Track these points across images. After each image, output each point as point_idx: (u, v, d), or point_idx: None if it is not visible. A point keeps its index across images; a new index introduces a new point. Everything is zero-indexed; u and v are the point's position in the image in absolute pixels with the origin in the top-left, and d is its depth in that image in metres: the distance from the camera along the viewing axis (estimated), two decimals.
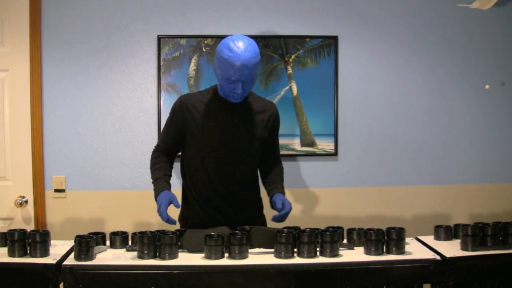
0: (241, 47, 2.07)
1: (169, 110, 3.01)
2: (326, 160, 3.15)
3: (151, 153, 2.37)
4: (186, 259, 1.84)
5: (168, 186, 2.22)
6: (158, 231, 1.91)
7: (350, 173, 3.17)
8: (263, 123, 2.31)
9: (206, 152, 2.24)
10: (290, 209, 2.20)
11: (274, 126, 2.37)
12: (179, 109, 2.27)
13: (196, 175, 2.29)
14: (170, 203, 2.12)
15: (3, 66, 3.01)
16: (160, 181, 2.21)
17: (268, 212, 2.35)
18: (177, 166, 2.45)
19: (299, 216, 3.10)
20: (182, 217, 2.37)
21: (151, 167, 2.32)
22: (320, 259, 1.83)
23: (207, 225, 2.15)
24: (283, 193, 2.30)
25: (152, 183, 2.25)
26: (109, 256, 1.86)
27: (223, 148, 2.23)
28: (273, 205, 2.26)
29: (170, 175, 2.29)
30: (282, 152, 3.06)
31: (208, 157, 2.24)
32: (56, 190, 3.04)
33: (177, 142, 2.31)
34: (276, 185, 2.33)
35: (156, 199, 2.15)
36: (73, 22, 3.02)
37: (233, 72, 2.08)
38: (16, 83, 3.01)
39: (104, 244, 2.01)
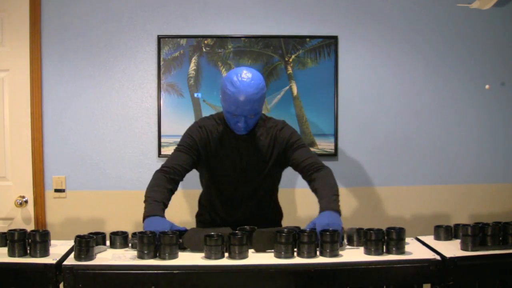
0: (244, 82, 2.05)
1: (169, 110, 3.05)
2: (326, 160, 3.15)
3: (153, 173, 2.19)
4: (186, 259, 1.84)
5: (163, 213, 2.04)
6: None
7: (350, 173, 3.17)
8: (265, 143, 2.27)
9: (219, 178, 2.27)
10: (338, 229, 1.90)
11: (279, 141, 2.26)
12: (198, 132, 2.24)
13: (210, 196, 2.34)
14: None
15: (3, 66, 3.01)
16: (158, 204, 2.06)
17: (289, 213, 2.45)
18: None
19: (299, 216, 3.10)
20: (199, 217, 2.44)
21: (151, 187, 2.14)
22: (320, 259, 1.83)
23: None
24: (331, 208, 1.98)
25: (145, 200, 2.10)
26: (109, 256, 1.86)
27: (232, 173, 2.26)
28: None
29: (166, 205, 2.12)
30: None
31: (220, 182, 2.28)
32: (56, 190, 3.04)
33: (188, 162, 2.21)
34: (322, 199, 2.05)
35: (145, 220, 2.01)
36: (73, 22, 3.02)
37: (235, 108, 2.08)
38: (16, 83, 3.01)
39: (104, 244, 2.01)
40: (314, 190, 2.13)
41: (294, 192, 3.12)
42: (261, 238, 1.90)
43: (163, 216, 2.02)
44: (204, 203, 2.41)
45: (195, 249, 1.92)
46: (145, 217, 2.03)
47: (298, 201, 3.14)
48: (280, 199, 2.49)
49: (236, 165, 2.26)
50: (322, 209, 1.99)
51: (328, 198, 2.02)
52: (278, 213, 2.47)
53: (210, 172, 2.28)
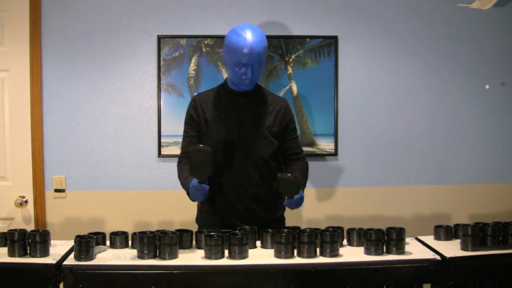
0: (249, 32, 2.15)
1: (169, 110, 3.05)
2: (326, 160, 3.15)
3: (176, 167, 2.33)
4: (186, 259, 1.84)
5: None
6: (158, 231, 1.91)
7: (350, 173, 3.17)
8: (272, 116, 2.31)
9: (217, 145, 2.24)
10: (299, 198, 2.15)
11: (285, 121, 2.34)
12: (193, 108, 2.32)
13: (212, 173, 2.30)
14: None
15: (3, 66, 3.01)
16: (189, 177, 2.17)
17: (289, 213, 2.40)
18: None
19: (299, 216, 3.10)
20: (198, 212, 2.42)
21: (179, 174, 2.28)
22: (320, 259, 1.83)
23: (221, 218, 2.22)
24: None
25: (182, 184, 2.23)
26: (109, 256, 1.86)
27: (231, 139, 2.24)
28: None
29: None
30: None
31: (217, 150, 2.24)
32: (56, 190, 3.04)
33: (200, 140, 2.31)
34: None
35: (189, 191, 2.14)
36: (73, 22, 3.02)
37: (243, 55, 2.13)
38: (16, 83, 3.01)
39: (104, 244, 2.01)
40: (289, 168, 2.35)
41: None
42: (285, 184, 2.03)
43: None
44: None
45: (204, 173, 2.01)
46: (187, 192, 2.17)
47: None
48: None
49: (239, 127, 2.25)
50: None
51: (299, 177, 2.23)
52: (279, 199, 2.38)
53: (211, 141, 2.25)
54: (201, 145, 2.02)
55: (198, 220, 2.42)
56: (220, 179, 2.26)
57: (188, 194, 2.18)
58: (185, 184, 2.21)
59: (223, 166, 2.25)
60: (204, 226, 2.30)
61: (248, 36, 2.14)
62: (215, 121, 2.26)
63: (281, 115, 2.33)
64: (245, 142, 2.26)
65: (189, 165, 2.08)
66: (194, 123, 2.31)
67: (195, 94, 2.46)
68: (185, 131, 2.35)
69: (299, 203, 2.17)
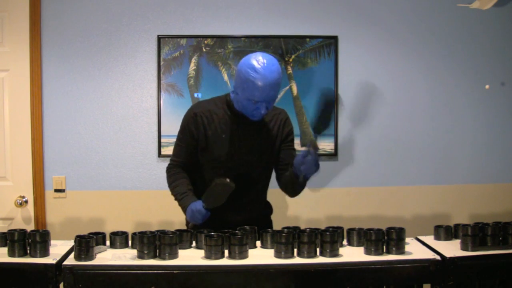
0: (266, 67, 2.01)
1: (169, 110, 3.05)
2: (326, 160, 3.15)
3: (166, 172, 2.30)
4: (186, 259, 1.84)
5: (194, 198, 2.17)
6: (158, 231, 1.91)
7: (350, 173, 3.17)
8: (274, 133, 2.27)
9: (215, 164, 2.22)
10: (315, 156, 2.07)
11: (285, 133, 2.30)
12: (193, 121, 2.22)
13: (206, 185, 2.24)
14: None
15: (3, 66, 3.01)
16: (188, 195, 2.17)
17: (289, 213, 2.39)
18: None
19: (299, 216, 3.10)
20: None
21: (171, 184, 2.26)
22: (320, 259, 1.83)
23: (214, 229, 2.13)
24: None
25: (177, 198, 2.21)
26: (109, 256, 1.86)
27: (231, 161, 2.21)
28: (297, 166, 2.10)
29: (191, 189, 2.23)
30: None
31: (219, 168, 2.21)
32: (56, 190, 3.04)
33: (192, 153, 2.25)
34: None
35: (186, 210, 2.13)
36: (73, 22, 3.02)
37: (259, 94, 2.03)
38: (16, 83, 3.01)
39: (104, 244, 2.01)
40: (284, 175, 2.27)
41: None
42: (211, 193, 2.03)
43: (194, 200, 2.15)
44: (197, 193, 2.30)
45: (215, 204, 2.04)
46: (184, 210, 2.17)
47: (298, 201, 3.13)
48: (273, 199, 2.48)
49: (239, 149, 2.21)
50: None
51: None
52: (269, 207, 2.43)
53: (209, 158, 2.22)
54: (227, 180, 1.99)
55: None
56: None
57: (183, 210, 2.16)
58: (181, 200, 2.18)
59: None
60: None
61: (265, 72, 2.00)
62: (216, 140, 2.20)
63: (281, 128, 2.29)
64: (245, 164, 2.23)
65: (207, 193, 2.04)
66: (191, 137, 2.23)
67: (195, 103, 2.35)
68: (179, 139, 2.27)
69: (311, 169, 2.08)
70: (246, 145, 2.22)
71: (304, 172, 2.07)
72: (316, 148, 2.05)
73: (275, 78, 2.03)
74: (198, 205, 2.08)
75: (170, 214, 3.03)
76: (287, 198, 3.00)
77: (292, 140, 2.34)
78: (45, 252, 1.84)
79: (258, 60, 2.03)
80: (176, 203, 2.24)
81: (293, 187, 2.24)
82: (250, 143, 2.22)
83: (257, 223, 2.16)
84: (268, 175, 2.34)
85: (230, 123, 2.21)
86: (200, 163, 2.27)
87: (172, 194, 2.25)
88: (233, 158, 2.21)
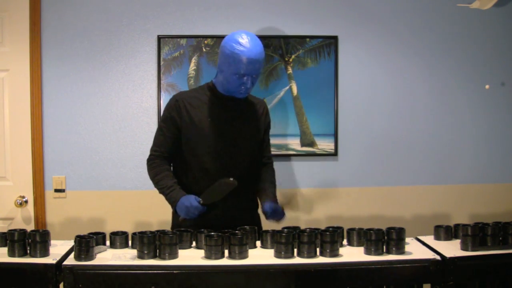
0: (250, 41, 2.11)
1: None
2: (326, 160, 3.15)
3: (147, 164, 2.29)
4: (186, 259, 1.84)
5: (182, 192, 2.18)
6: (158, 231, 1.91)
7: (350, 173, 3.17)
8: (258, 118, 2.33)
9: (203, 149, 2.22)
10: (283, 215, 2.27)
11: (266, 122, 2.39)
12: (175, 107, 2.24)
13: (190, 172, 2.26)
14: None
15: (3, 66, 3.01)
16: (175, 188, 2.19)
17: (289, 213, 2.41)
18: None
19: (299, 216, 3.10)
20: (175, 215, 2.31)
21: (155, 176, 2.24)
22: (320, 259, 1.83)
23: (200, 223, 2.13)
24: (275, 201, 2.31)
25: (164, 191, 2.21)
26: (109, 256, 1.86)
27: (219, 144, 2.22)
28: (265, 215, 2.27)
29: (176, 182, 2.24)
30: (282, 152, 3.07)
31: (205, 153, 2.22)
32: (56, 190, 3.04)
33: (175, 143, 2.25)
34: (267, 194, 2.32)
35: (177, 204, 2.14)
36: (73, 22, 3.02)
37: (245, 66, 2.11)
38: (16, 83, 3.01)
39: (104, 244, 2.01)
40: (262, 185, 2.36)
41: (293, 192, 3.12)
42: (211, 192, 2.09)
43: (184, 194, 2.17)
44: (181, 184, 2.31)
45: (214, 200, 2.08)
46: (174, 205, 2.18)
47: (298, 201, 3.14)
48: None
49: (227, 132, 2.24)
50: (269, 200, 2.28)
51: (273, 195, 2.33)
52: (255, 202, 2.42)
53: (195, 144, 2.22)
54: (231, 179, 2.04)
55: (173, 221, 2.36)
56: (207, 181, 2.18)
57: (172, 204, 2.17)
58: (168, 194, 2.18)
59: (211, 169, 2.22)
60: (176, 226, 2.25)
61: (250, 46, 2.10)
62: (205, 125, 2.21)
63: (263, 117, 2.37)
64: (236, 145, 2.25)
65: (208, 191, 2.09)
66: (173, 124, 2.24)
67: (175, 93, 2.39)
68: (160, 128, 2.28)
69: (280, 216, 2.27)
70: (233, 127, 2.25)
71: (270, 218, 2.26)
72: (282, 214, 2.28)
73: (259, 51, 2.13)
74: (192, 201, 2.10)
75: (170, 214, 3.02)
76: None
77: (269, 132, 2.43)
78: (45, 252, 1.84)
79: (242, 36, 2.13)
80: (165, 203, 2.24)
81: (256, 194, 2.39)
82: (236, 124, 2.26)
83: (244, 215, 2.25)
84: (255, 159, 2.36)
85: (214, 107, 2.25)
86: (183, 151, 2.26)
87: (156, 187, 2.24)
88: (220, 140, 2.22)
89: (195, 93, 2.30)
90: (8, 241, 1.85)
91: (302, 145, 3.10)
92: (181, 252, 1.88)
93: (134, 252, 1.87)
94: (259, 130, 2.34)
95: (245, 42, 2.10)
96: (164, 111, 2.30)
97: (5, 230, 1.94)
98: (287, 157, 3.09)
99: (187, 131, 2.23)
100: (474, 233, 1.91)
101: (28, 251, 1.85)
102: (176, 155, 2.29)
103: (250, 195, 2.37)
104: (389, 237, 1.88)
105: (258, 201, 2.38)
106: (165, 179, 2.22)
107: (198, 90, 2.33)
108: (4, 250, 1.87)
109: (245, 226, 2.05)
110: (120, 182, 3.07)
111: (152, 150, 2.30)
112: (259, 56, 2.12)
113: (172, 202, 2.18)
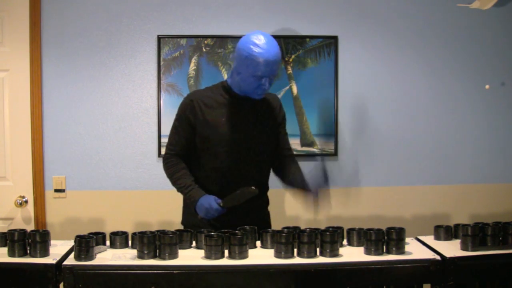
0: (267, 43, 2.10)
1: (169, 110, 3.05)
2: (326, 160, 3.15)
3: (163, 162, 2.31)
4: (186, 259, 1.84)
5: (201, 191, 2.20)
6: (158, 231, 1.91)
7: (350, 173, 3.17)
8: (274, 114, 2.33)
9: (217, 149, 2.22)
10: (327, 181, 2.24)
11: (281, 117, 2.38)
12: (189, 106, 2.24)
13: (205, 171, 2.27)
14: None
15: (3, 66, 3.01)
16: (194, 187, 2.20)
17: (273, 209, 2.41)
18: None
19: (299, 216, 3.10)
20: (185, 213, 2.35)
21: (173, 175, 2.26)
22: (320, 259, 1.83)
23: (212, 221, 2.17)
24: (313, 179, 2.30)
25: (183, 191, 2.22)
26: (109, 256, 1.86)
27: (234, 144, 2.22)
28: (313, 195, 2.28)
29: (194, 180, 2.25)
30: None
31: (220, 153, 2.22)
32: (56, 190, 3.04)
33: (190, 142, 2.25)
34: (303, 179, 2.31)
35: (196, 204, 2.16)
36: (73, 22, 3.02)
37: (264, 68, 2.09)
38: (16, 83, 3.01)
39: (104, 244, 2.01)
40: (291, 173, 2.32)
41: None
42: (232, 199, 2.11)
43: (203, 194, 2.18)
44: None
45: (234, 204, 2.10)
46: (193, 204, 2.18)
47: (298, 201, 3.13)
48: (272, 199, 2.47)
49: (241, 131, 2.23)
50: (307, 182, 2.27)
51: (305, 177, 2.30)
52: (267, 200, 2.43)
53: (209, 144, 2.22)
54: (253, 187, 2.06)
55: (184, 221, 2.38)
56: (220, 179, 2.24)
57: (192, 203, 2.18)
58: (188, 193, 2.20)
59: (224, 168, 2.23)
60: (191, 224, 2.28)
61: (268, 47, 2.09)
62: (217, 123, 2.21)
63: (278, 112, 2.36)
64: (251, 145, 2.25)
65: (230, 197, 2.11)
66: (188, 124, 2.24)
67: (190, 92, 2.40)
68: (175, 127, 2.29)
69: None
70: (247, 126, 2.24)
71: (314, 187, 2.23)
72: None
73: (277, 52, 2.12)
74: (212, 203, 2.12)
75: (170, 214, 3.03)
76: (287, 198, 3.01)
77: (285, 125, 2.41)
78: (45, 252, 1.83)
79: (259, 37, 2.12)
80: (175, 202, 2.24)
81: (290, 185, 2.35)
82: (251, 124, 2.25)
83: (256, 214, 2.25)
84: (270, 158, 2.35)
85: (229, 107, 2.24)
86: (198, 150, 2.27)
87: (174, 185, 2.26)
88: (236, 139, 2.22)
89: (210, 93, 2.28)
90: (8, 241, 1.85)
91: (302, 145, 3.11)
92: (181, 252, 1.88)
93: (134, 252, 1.87)
94: (275, 126, 2.33)
95: (262, 44, 2.09)
96: (179, 110, 2.29)
97: (5, 230, 1.93)
98: None
99: (202, 130, 2.23)
100: (474, 233, 1.91)
101: (28, 251, 1.85)
102: (191, 155, 2.30)
103: (262, 194, 2.37)
104: (389, 237, 1.88)
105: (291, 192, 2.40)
106: (183, 177, 2.23)
107: (212, 90, 2.30)
108: (4, 250, 1.87)
109: (245, 226, 2.05)
110: (120, 182, 3.07)
111: (167, 148, 2.32)
112: (276, 57, 2.11)
113: (192, 201, 2.18)
